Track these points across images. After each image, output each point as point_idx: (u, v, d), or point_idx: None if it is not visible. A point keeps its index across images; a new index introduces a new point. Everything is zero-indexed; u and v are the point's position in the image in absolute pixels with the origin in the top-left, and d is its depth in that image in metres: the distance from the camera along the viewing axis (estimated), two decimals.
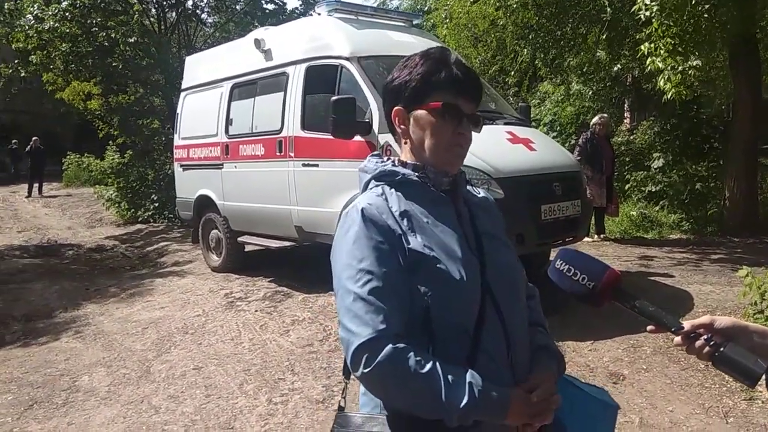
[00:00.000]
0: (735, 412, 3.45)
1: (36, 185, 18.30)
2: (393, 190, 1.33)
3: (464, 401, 1.14)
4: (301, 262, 7.50)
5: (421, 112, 1.32)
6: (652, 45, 6.48)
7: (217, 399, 3.94)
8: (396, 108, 1.36)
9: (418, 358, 1.16)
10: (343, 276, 1.24)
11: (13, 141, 18.35)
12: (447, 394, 1.14)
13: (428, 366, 1.16)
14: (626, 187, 10.52)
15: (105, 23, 12.53)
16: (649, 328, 1.18)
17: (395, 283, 1.22)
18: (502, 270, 1.33)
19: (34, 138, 18.35)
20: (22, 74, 13.75)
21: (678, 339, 1.14)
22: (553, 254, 5.94)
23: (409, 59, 1.37)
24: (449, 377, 1.15)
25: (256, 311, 5.73)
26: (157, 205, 13.17)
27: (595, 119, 8.52)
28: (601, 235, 8.44)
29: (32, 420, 3.83)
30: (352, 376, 1.30)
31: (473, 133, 1.36)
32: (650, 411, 3.49)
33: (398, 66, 1.38)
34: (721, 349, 1.09)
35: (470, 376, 1.17)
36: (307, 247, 6.85)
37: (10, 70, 14.13)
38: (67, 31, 12.36)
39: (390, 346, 1.16)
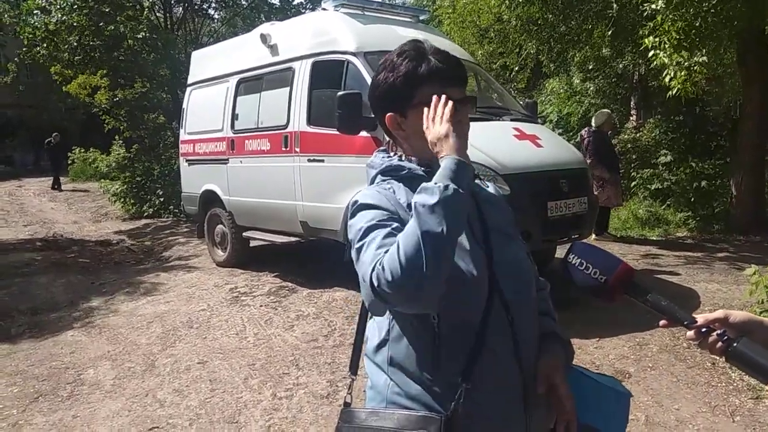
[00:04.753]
0: (742, 411, 3.43)
1: (52, 179, 19.07)
2: (401, 184, 1.32)
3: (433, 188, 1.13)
4: (306, 258, 7.50)
5: (413, 113, 1.30)
6: (657, 39, 6.42)
7: (222, 393, 3.94)
8: (388, 115, 1.34)
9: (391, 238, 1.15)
10: (355, 243, 1.22)
11: (54, 134, 19.57)
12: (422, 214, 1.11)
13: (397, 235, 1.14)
14: (632, 184, 10.46)
15: (114, 17, 12.52)
16: (661, 322, 1.16)
17: None
18: (511, 265, 1.31)
19: (54, 134, 19.72)
20: (26, 62, 13.81)
21: (691, 333, 1.13)
22: (558, 251, 5.93)
23: (385, 61, 1.35)
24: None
25: (261, 306, 5.74)
26: (162, 200, 13.18)
27: (602, 117, 8.09)
28: (606, 234, 8.37)
29: (37, 412, 3.84)
30: (358, 372, 1.28)
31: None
32: (656, 409, 3.48)
33: (378, 69, 1.36)
34: (735, 344, 1.07)
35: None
36: (312, 243, 6.84)
37: (19, 60, 14.14)
38: (74, 24, 12.35)
39: None
